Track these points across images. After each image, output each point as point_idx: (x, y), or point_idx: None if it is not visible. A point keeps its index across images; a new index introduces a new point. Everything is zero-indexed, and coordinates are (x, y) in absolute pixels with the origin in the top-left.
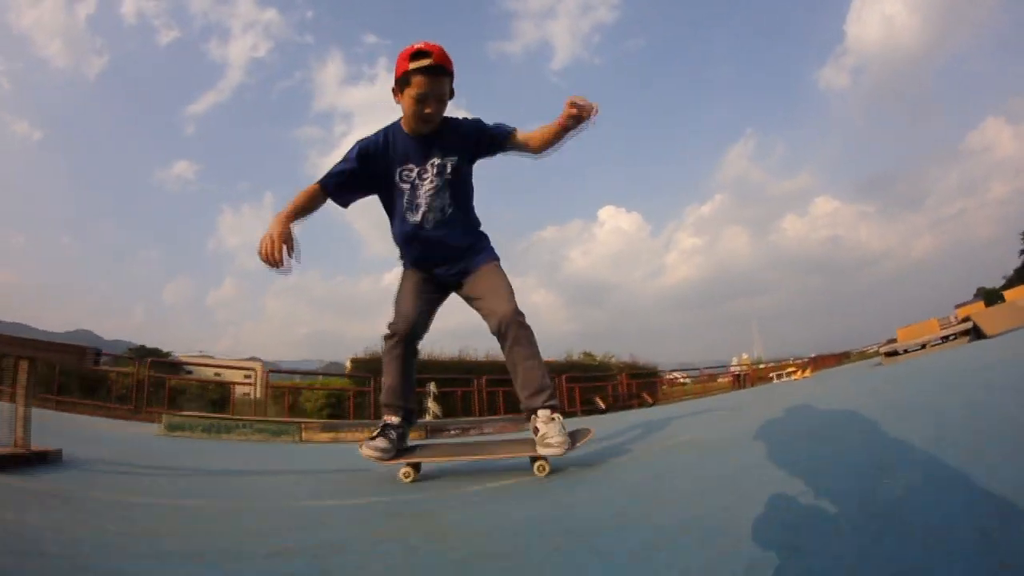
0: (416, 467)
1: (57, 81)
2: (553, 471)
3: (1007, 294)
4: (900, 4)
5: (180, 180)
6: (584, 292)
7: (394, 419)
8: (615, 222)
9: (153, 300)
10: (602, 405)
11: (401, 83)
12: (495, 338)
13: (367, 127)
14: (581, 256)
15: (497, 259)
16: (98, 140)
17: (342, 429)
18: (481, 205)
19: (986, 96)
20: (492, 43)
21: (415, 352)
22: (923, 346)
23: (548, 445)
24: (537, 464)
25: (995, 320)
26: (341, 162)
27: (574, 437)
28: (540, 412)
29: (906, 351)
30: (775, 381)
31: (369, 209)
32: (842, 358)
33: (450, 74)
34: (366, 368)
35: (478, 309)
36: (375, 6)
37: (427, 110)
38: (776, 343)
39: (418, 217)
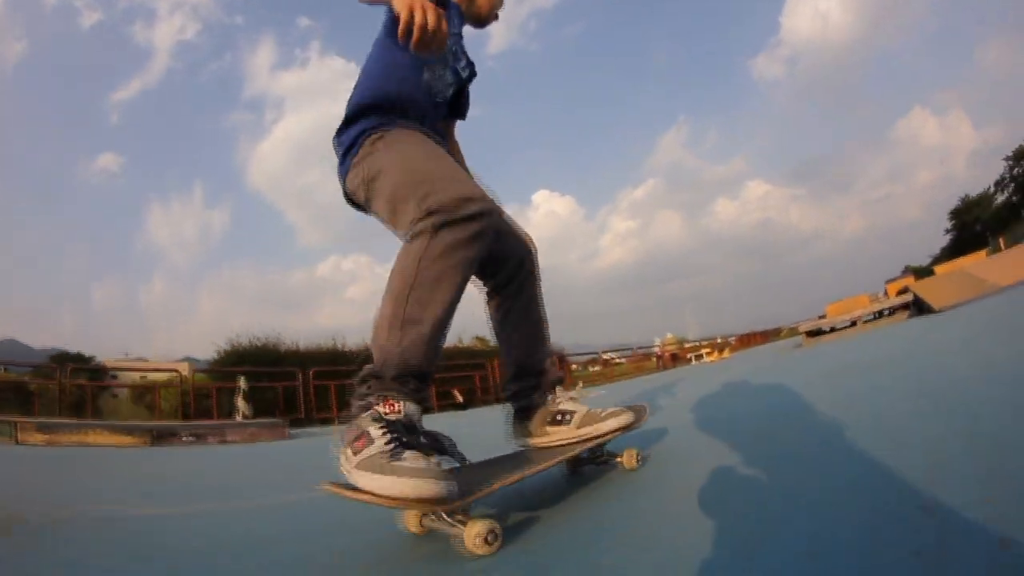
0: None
1: None
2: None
3: (937, 269)
4: (834, 0)
5: (105, 173)
6: None
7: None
8: (549, 206)
9: (81, 303)
10: (459, 399)
11: None
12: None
13: (299, 113)
14: None
15: None
16: (14, 132)
17: (64, 431)
18: None
19: (913, 88)
20: None
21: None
22: (853, 323)
23: (614, 416)
24: (622, 456)
25: (943, 292)
26: None
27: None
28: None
29: (833, 329)
30: (693, 363)
31: (302, 199)
32: (771, 335)
33: None
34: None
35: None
36: None
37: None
38: (712, 323)
39: (436, 92)
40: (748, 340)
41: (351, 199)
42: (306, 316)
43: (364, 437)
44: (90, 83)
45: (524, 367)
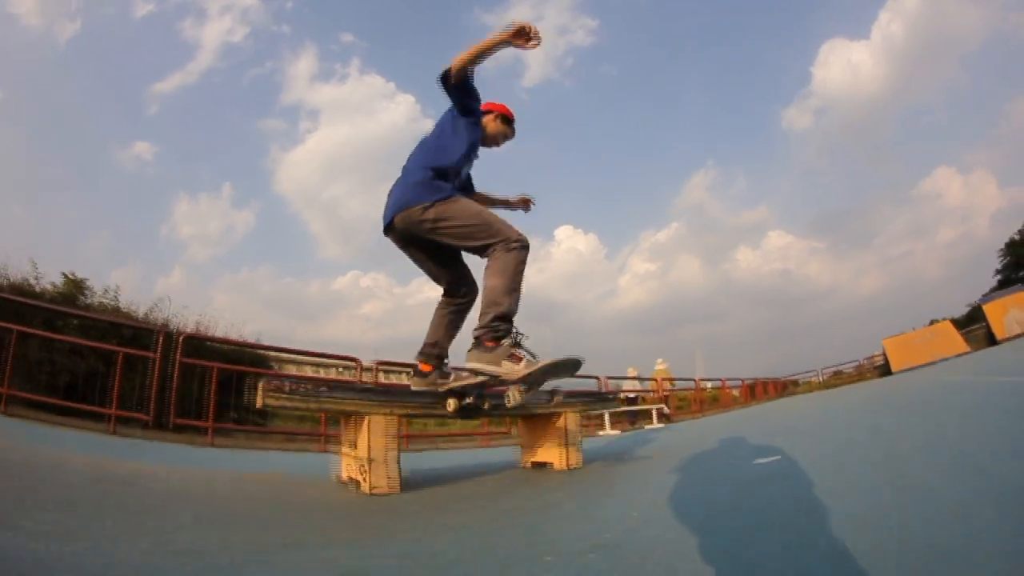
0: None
1: (25, 40)
2: None
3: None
4: (866, 53)
5: (139, 161)
6: (536, 309)
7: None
8: (572, 242)
9: (102, 284)
10: None
11: (505, 120)
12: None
13: (333, 126)
14: (536, 273)
15: None
16: (60, 108)
17: None
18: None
19: (940, 146)
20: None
21: None
22: None
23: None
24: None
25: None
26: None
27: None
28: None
29: None
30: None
31: (327, 211)
32: (788, 385)
33: None
34: None
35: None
36: (355, 5)
37: (497, 144)
38: (723, 368)
39: (464, 172)
40: (757, 389)
41: (394, 224)
42: (318, 326)
43: (516, 356)
44: (135, 71)
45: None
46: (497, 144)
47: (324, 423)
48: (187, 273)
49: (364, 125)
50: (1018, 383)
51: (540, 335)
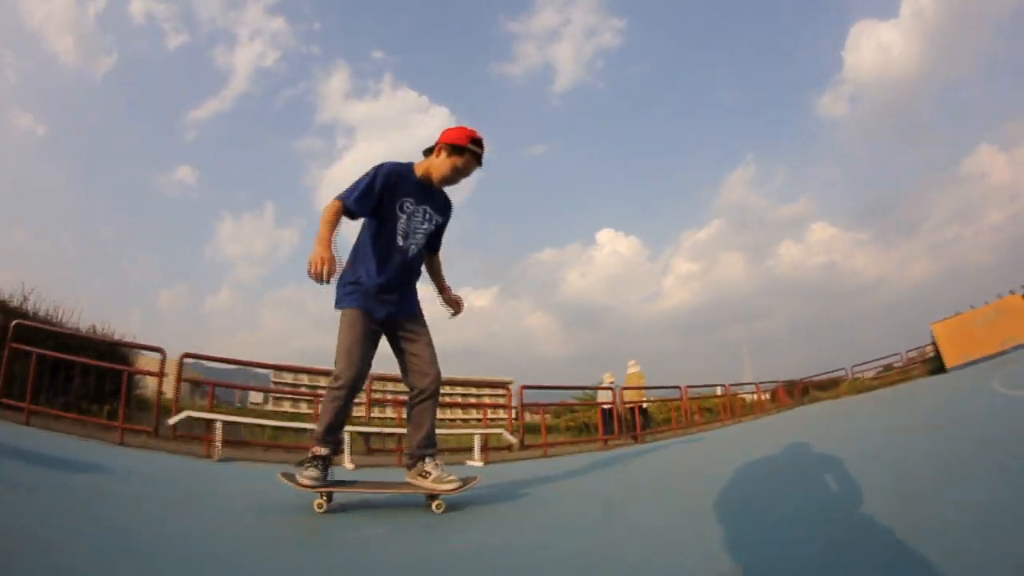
0: (329, 498)
1: (65, 78)
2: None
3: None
4: (895, 32)
5: (181, 185)
6: (579, 315)
7: (324, 451)
8: (613, 245)
9: (150, 304)
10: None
11: (453, 149)
12: (412, 389)
13: (369, 142)
14: (579, 278)
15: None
16: (102, 139)
17: None
18: (478, 224)
19: (979, 122)
20: (495, 64)
21: (354, 397)
22: None
23: (448, 481)
24: (436, 502)
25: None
26: (365, 184)
27: (464, 481)
28: (427, 459)
29: None
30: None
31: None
32: (828, 386)
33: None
34: None
35: (413, 354)
36: (382, 22)
37: (455, 181)
38: (769, 367)
39: (404, 243)
40: (789, 390)
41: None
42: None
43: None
44: (171, 99)
45: (414, 441)
46: (454, 182)
47: None
48: (234, 292)
49: (400, 139)
50: None
51: (584, 340)
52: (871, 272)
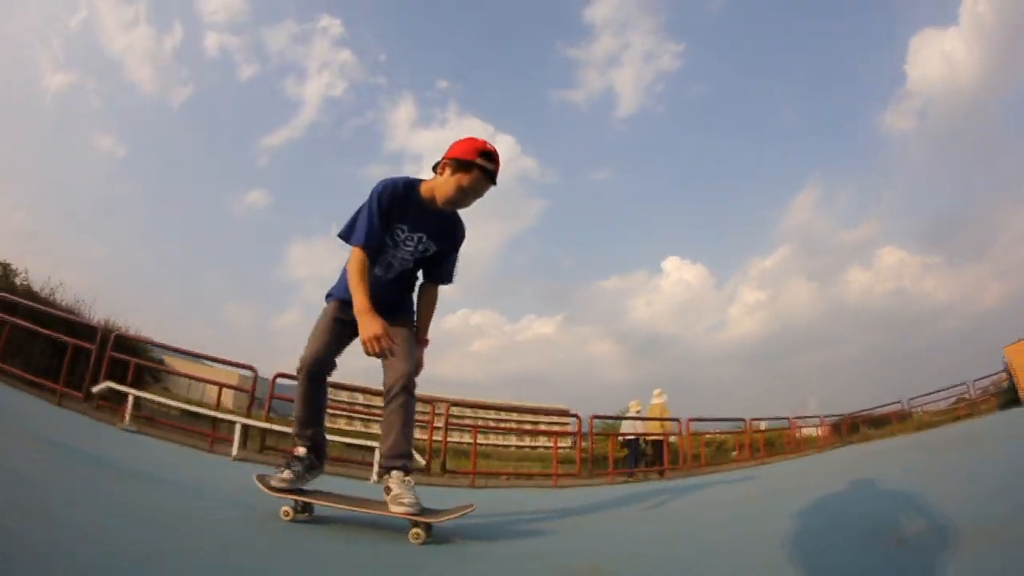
0: (304, 508)
1: (144, 105)
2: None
3: None
4: (957, 40)
5: (252, 209)
6: (645, 343)
7: (302, 451)
8: (679, 274)
9: (211, 315)
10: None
11: (458, 165)
12: (384, 390)
13: None
14: (644, 307)
15: (414, 326)
16: (177, 163)
17: None
18: (542, 251)
19: None
20: (556, 91)
21: (321, 385)
22: None
23: (401, 504)
24: (414, 531)
25: None
26: (374, 215)
27: (456, 509)
28: (394, 473)
29: None
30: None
31: None
32: (896, 419)
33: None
34: None
35: (383, 358)
36: (445, 52)
37: (464, 203)
38: (836, 398)
39: (381, 272)
40: (845, 427)
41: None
42: (428, 365)
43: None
44: (244, 127)
45: (383, 450)
46: (463, 204)
47: None
48: (302, 311)
49: None
50: None
51: (648, 369)
52: (941, 297)
